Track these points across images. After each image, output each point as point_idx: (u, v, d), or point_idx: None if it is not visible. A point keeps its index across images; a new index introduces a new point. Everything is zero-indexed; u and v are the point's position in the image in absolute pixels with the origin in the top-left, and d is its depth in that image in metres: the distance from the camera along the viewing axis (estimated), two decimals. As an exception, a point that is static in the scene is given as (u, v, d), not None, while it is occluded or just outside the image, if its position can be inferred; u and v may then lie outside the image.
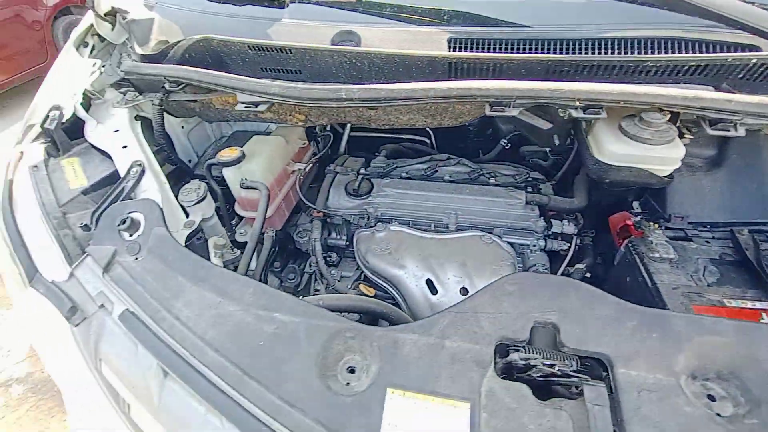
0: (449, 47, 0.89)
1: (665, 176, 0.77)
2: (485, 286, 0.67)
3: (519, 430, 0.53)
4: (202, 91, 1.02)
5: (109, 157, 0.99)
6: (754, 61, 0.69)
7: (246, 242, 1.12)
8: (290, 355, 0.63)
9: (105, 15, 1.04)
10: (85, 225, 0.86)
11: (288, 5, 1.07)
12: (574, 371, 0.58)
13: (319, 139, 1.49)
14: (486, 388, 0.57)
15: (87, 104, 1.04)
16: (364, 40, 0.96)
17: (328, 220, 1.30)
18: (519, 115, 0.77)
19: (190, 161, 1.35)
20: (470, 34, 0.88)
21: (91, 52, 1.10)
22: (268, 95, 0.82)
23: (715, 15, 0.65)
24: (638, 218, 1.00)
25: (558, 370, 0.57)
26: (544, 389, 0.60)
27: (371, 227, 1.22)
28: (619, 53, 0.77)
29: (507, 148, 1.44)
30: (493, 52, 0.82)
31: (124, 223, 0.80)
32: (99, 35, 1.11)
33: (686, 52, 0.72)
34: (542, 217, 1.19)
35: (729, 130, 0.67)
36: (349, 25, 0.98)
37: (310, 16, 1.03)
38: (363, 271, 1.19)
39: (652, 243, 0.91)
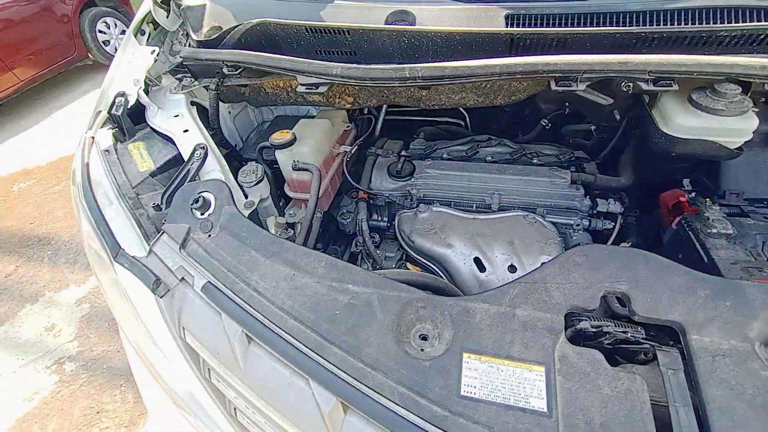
0: (506, 23, 0.88)
1: (735, 149, 0.76)
2: (553, 258, 0.69)
3: (594, 392, 0.56)
4: (256, 75, 1.05)
5: (170, 140, 1.04)
6: None
7: (294, 223, 1.17)
8: (366, 322, 0.67)
9: (161, 2, 1.08)
10: (157, 205, 0.91)
11: (339, -13, 1.07)
12: (644, 338, 0.60)
13: (358, 122, 1.51)
14: (559, 354, 0.60)
15: (146, 91, 1.09)
16: (419, 19, 0.96)
17: (371, 201, 1.33)
18: (585, 91, 0.77)
19: (235, 146, 1.39)
20: (528, 9, 0.88)
21: (147, 40, 1.14)
22: (330, 76, 0.84)
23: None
24: (692, 195, 0.99)
25: (631, 336, 0.59)
26: (611, 358, 0.63)
27: (413, 208, 1.25)
28: (686, 24, 0.75)
29: (547, 128, 1.43)
30: (554, 27, 0.81)
31: (197, 202, 0.85)
32: (154, 22, 1.15)
33: (759, 21, 0.70)
34: (587, 196, 1.19)
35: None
36: (402, 5, 0.99)
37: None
38: (406, 251, 1.22)
39: (708, 219, 0.91)
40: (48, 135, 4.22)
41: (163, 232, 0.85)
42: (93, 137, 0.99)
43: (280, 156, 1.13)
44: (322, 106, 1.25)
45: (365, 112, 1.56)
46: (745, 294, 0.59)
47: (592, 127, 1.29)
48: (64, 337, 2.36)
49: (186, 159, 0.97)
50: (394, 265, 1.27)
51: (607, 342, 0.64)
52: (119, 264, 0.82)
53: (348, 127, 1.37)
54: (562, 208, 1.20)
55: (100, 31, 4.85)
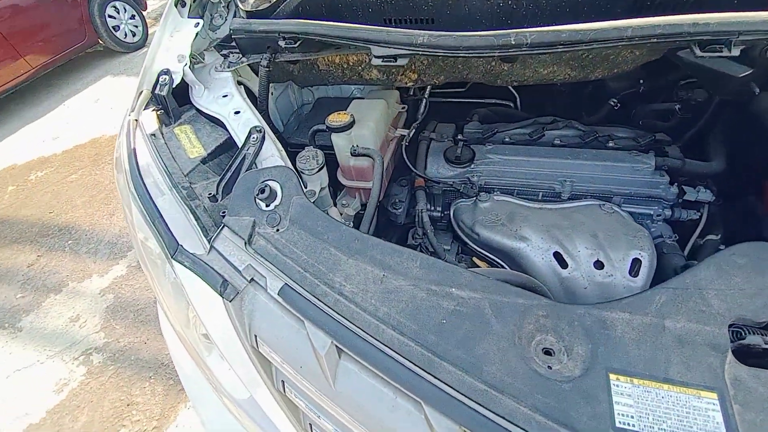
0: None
1: None
2: (706, 259, 0.58)
3: (788, 425, 0.45)
4: (314, 49, 0.93)
5: (218, 123, 0.94)
6: None
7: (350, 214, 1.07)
8: (481, 334, 0.57)
9: (203, -32, 0.96)
10: (213, 195, 0.81)
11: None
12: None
13: (407, 103, 1.38)
14: (730, 376, 0.49)
15: (191, 68, 0.98)
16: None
17: (427, 190, 1.22)
18: (718, 58, 0.65)
19: (277, 130, 1.28)
20: None
21: (189, 11, 1.02)
22: (413, 47, 0.72)
23: None
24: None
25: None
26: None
27: (472, 197, 1.14)
28: None
29: (616, 108, 1.30)
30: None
31: (262, 192, 0.74)
32: (195, -8, 1.03)
33: None
34: (674, 184, 1.07)
35: None
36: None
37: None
38: (467, 245, 1.12)
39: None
40: (62, 122, 4.15)
41: (224, 226, 0.75)
42: (137, 120, 0.88)
43: (338, 140, 1.01)
44: (383, 85, 1.13)
45: (411, 92, 1.43)
46: None
47: (677, 107, 1.16)
48: (89, 328, 2.32)
49: (240, 144, 0.86)
50: (454, 259, 1.17)
51: None
52: (179, 263, 0.72)
53: (403, 108, 1.25)
54: (643, 196, 1.08)
55: (109, 16, 4.72)
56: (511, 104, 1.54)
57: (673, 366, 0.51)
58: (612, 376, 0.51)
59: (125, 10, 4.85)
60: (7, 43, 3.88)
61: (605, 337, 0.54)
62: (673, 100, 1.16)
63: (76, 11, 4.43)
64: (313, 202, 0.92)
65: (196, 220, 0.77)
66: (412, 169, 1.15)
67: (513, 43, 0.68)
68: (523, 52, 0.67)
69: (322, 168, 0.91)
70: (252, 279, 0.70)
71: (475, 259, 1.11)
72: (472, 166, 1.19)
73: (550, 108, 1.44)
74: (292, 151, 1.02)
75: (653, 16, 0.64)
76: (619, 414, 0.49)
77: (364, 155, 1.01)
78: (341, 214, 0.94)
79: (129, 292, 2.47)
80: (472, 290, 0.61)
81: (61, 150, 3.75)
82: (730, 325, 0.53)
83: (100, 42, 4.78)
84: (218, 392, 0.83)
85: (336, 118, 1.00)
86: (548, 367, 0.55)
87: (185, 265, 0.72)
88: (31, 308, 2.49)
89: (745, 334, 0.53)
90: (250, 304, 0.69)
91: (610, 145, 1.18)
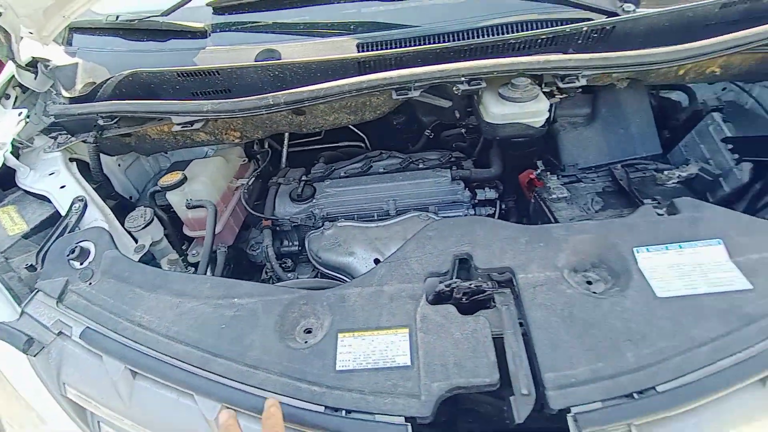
0: (358, 50, 1.04)
1: (540, 126, 0.96)
2: (411, 237, 0.79)
3: (447, 338, 0.64)
4: (137, 122, 1.08)
5: (47, 200, 1.02)
6: (585, 29, 0.90)
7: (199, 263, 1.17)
8: (251, 329, 0.70)
9: (26, 65, 1.08)
10: (31, 266, 0.88)
11: (210, 35, 1.17)
12: (486, 287, 0.71)
13: (258, 156, 1.57)
14: (420, 315, 0.68)
15: (16, 154, 1.06)
16: (284, 55, 1.09)
17: (277, 228, 1.38)
18: (421, 96, 0.93)
19: (131, 197, 1.37)
20: (374, 38, 1.05)
21: (14, 104, 1.12)
22: (201, 113, 0.91)
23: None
24: (539, 171, 1.19)
25: (474, 285, 0.70)
26: (470, 311, 0.73)
27: (320, 227, 1.32)
28: (488, 37, 0.97)
29: (431, 137, 1.62)
30: (392, 49, 0.98)
31: (73, 252, 0.83)
32: (21, 86, 1.14)
33: (533, 30, 0.93)
34: (467, 189, 1.36)
35: (575, 82, 0.87)
36: (268, 44, 1.11)
37: (232, 41, 1.15)
38: (318, 269, 1.28)
39: (550, 188, 1.10)
40: None
41: (37, 291, 0.82)
42: (-49, 208, 0.93)
43: (173, 197, 1.14)
44: (213, 145, 1.30)
45: (265, 146, 1.63)
46: (552, 234, 0.74)
47: (462, 130, 1.49)
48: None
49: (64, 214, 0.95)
50: (311, 285, 1.31)
51: (465, 299, 0.74)
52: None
53: (244, 161, 1.43)
54: (449, 202, 1.35)
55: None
56: (363, 144, 1.81)
57: (384, 317, 0.69)
58: (340, 335, 0.67)
59: None
60: None
61: (342, 308, 0.71)
62: (459, 125, 1.50)
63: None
64: (147, 255, 1.02)
65: (8, 291, 0.82)
66: (250, 211, 1.31)
67: (271, 102, 0.91)
68: (282, 109, 0.90)
69: (149, 223, 1.03)
70: (60, 332, 0.76)
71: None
72: (314, 201, 1.39)
73: (392, 143, 1.73)
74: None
75: (368, 74, 0.92)
76: (340, 361, 0.64)
77: (198, 206, 1.14)
78: (176, 262, 1.05)
79: None
80: (250, 297, 0.75)
81: None
82: (427, 279, 0.73)
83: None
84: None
85: (168, 179, 1.14)
86: (305, 342, 0.70)
87: (-9, 333, 0.76)
88: None
89: (436, 285, 0.73)
90: (58, 355, 0.75)
91: (421, 166, 1.47)
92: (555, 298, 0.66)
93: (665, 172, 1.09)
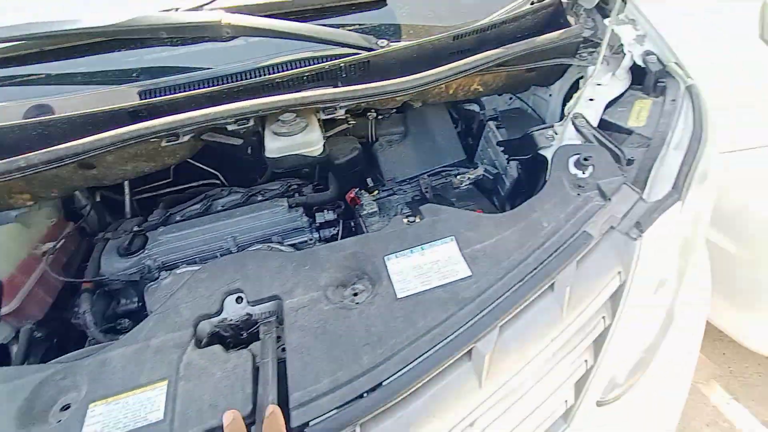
0: (140, 98, 1.02)
1: (318, 154, 1.03)
2: (183, 283, 0.79)
3: (208, 380, 0.65)
4: None
5: None
6: (342, 65, 1.00)
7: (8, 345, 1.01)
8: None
9: None
10: None
11: (-35, 93, 1.05)
12: (257, 318, 0.73)
13: (83, 212, 1.43)
14: (185, 362, 0.67)
15: None
16: (58, 110, 1.01)
17: (106, 289, 1.26)
18: (207, 138, 0.94)
19: None
20: (156, 84, 1.04)
21: None
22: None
23: (311, 38, 0.97)
24: (358, 189, 1.28)
25: (240, 321, 0.72)
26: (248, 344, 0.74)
27: (157, 278, 1.24)
28: (258, 76, 1.02)
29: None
30: (175, 94, 0.98)
31: None
32: None
33: (296, 68, 1.01)
34: (305, 214, 1.40)
35: (335, 112, 0.96)
36: (40, 99, 1.03)
37: (-1, 98, 1.04)
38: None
39: (363, 205, 1.19)
40: None
41: None
42: None
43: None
44: (3, 210, 1.16)
45: (97, 199, 1.50)
46: (317, 256, 0.80)
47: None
48: None
49: None
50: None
51: (231, 333, 0.75)
52: None
53: (53, 221, 1.30)
54: (291, 230, 1.38)
55: None
56: (218, 181, 1.75)
57: (144, 374, 0.66)
58: (90, 406, 0.63)
59: None
60: None
61: (101, 373, 0.67)
62: None
63: None
64: None
65: None
66: (54, 275, 1.18)
67: (24, 165, 0.84)
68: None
69: None
70: None
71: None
72: (145, 251, 1.30)
73: (250, 175, 1.71)
74: None
75: (135, 123, 0.90)
76: (92, 436, 0.60)
77: (-22, 283, 1.00)
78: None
79: None
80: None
81: None
82: (198, 324, 0.73)
83: None
84: None
85: (-69, 260, 0.97)
86: (58, 421, 0.64)
87: None
88: None
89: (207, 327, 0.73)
90: None
91: (260, 198, 1.48)
92: (312, 317, 0.70)
93: (458, 177, 1.25)
